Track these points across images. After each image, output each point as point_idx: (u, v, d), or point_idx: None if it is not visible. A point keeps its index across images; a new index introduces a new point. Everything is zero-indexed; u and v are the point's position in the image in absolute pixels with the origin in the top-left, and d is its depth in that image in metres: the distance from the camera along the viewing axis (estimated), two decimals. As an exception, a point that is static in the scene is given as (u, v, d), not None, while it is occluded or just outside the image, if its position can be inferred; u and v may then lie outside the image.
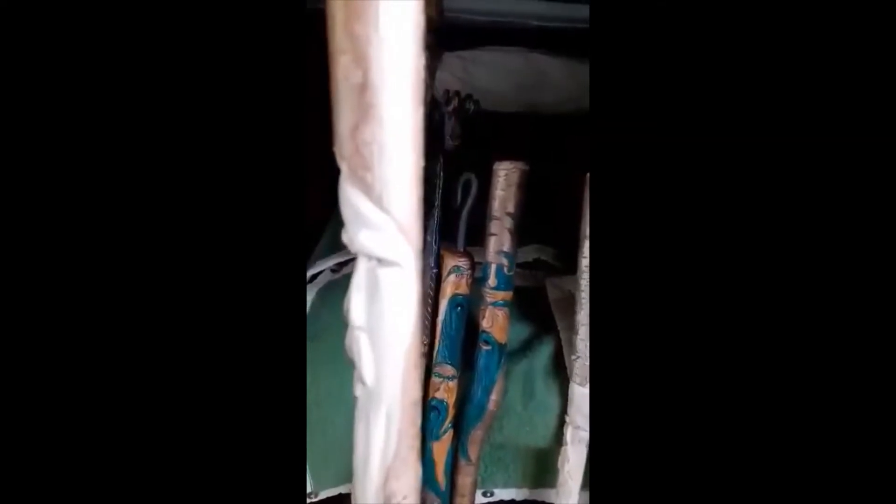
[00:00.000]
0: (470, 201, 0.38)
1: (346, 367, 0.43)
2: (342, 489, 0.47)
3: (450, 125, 0.35)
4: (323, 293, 0.50)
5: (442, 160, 0.37)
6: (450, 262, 0.39)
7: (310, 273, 0.52)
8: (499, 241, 0.36)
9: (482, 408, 0.40)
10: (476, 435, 0.41)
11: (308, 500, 0.46)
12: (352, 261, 0.47)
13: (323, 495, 0.47)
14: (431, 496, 0.43)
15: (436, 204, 0.39)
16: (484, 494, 0.45)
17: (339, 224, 0.49)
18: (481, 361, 0.40)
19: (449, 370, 0.40)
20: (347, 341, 0.27)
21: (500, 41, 0.66)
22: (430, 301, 0.41)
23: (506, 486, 0.46)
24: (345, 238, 0.25)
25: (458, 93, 0.36)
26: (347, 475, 0.46)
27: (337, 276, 0.52)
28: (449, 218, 0.39)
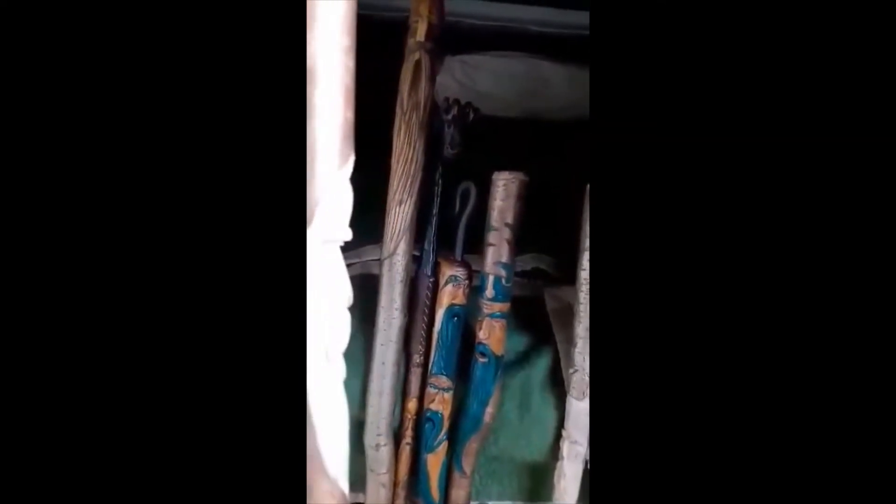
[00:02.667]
0: (468, 210, 0.37)
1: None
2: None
3: (449, 133, 0.35)
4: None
5: (440, 168, 0.37)
6: (447, 271, 0.38)
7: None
8: (497, 252, 0.36)
9: (478, 420, 0.39)
10: (471, 447, 0.41)
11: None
12: (352, 264, 0.46)
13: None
14: (425, 509, 0.42)
15: (434, 212, 0.39)
16: (478, 507, 0.45)
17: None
18: (477, 374, 0.39)
19: (444, 382, 0.39)
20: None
21: (502, 46, 0.65)
22: (426, 311, 0.40)
23: (500, 499, 0.45)
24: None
25: (457, 100, 0.35)
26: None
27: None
28: (447, 227, 0.39)
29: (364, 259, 0.44)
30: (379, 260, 0.39)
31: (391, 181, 0.35)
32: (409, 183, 0.34)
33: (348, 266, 0.50)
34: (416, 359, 0.41)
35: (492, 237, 0.36)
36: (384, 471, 0.41)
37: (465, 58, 0.63)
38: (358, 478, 0.42)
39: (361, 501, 0.43)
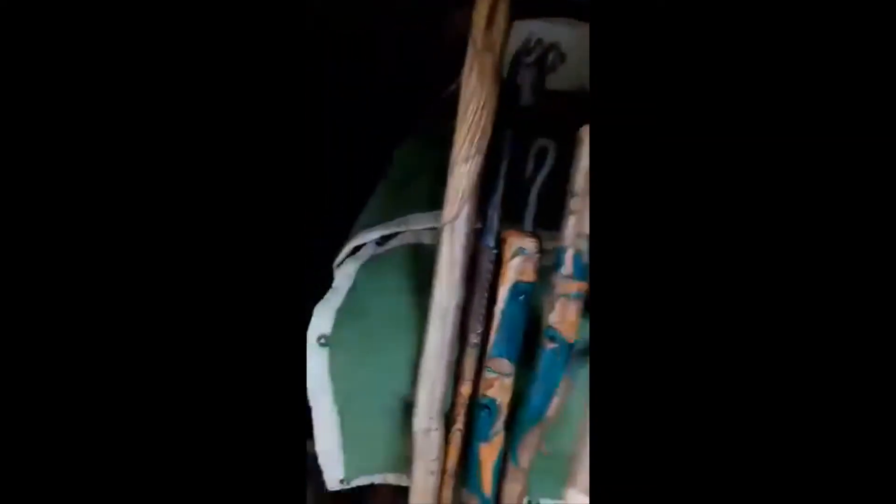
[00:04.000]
0: (544, 172, 0.32)
1: (389, 347, 0.39)
2: (375, 478, 0.43)
3: (529, 75, 0.30)
4: (366, 267, 0.45)
5: (514, 122, 0.32)
6: (515, 242, 0.34)
7: (352, 245, 0.48)
8: (579, 221, 0.30)
9: (540, 412, 0.35)
10: (530, 440, 0.37)
11: (340, 486, 0.43)
12: (399, 234, 0.42)
13: (355, 483, 0.44)
14: (476, 501, 0.39)
15: (501, 173, 0.34)
16: (530, 504, 0.41)
17: (387, 192, 0.44)
18: (544, 361, 0.34)
19: (505, 366, 0.35)
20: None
21: (575, 13, 0.60)
22: (486, 286, 0.36)
23: (554, 497, 0.41)
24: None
25: (540, 40, 0.30)
26: (381, 464, 0.43)
27: (382, 249, 0.48)
28: (516, 192, 0.34)
29: (412, 227, 0.40)
30: (433, 228, 0.34)
31: (457, 134, 0.31)
32: (478, 136, 0.30)
33: (393, 236, 0.47)
34: (473, 339, 0.36)
35: (574, 204, 0.30)
36: (433, 457, 0.38)
37: (533, 25, 0.57)
38: (406, 462, 0.39)
39: (408, 486, 0.40)
